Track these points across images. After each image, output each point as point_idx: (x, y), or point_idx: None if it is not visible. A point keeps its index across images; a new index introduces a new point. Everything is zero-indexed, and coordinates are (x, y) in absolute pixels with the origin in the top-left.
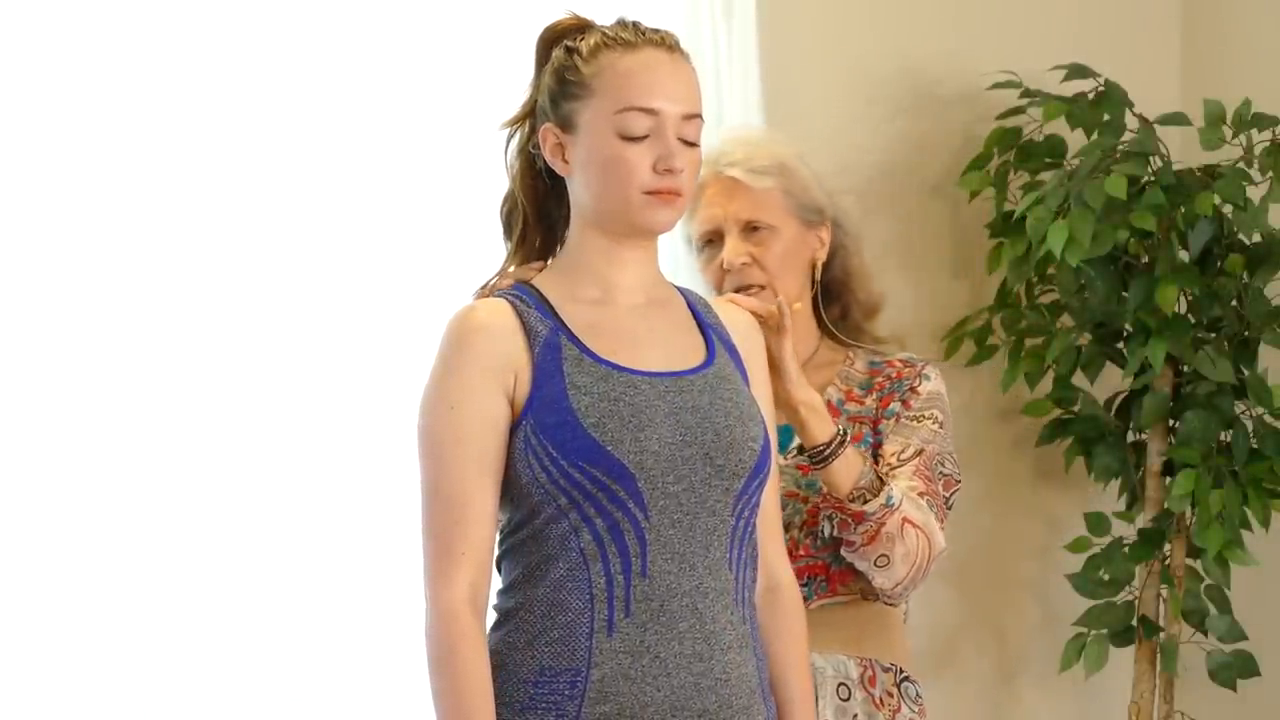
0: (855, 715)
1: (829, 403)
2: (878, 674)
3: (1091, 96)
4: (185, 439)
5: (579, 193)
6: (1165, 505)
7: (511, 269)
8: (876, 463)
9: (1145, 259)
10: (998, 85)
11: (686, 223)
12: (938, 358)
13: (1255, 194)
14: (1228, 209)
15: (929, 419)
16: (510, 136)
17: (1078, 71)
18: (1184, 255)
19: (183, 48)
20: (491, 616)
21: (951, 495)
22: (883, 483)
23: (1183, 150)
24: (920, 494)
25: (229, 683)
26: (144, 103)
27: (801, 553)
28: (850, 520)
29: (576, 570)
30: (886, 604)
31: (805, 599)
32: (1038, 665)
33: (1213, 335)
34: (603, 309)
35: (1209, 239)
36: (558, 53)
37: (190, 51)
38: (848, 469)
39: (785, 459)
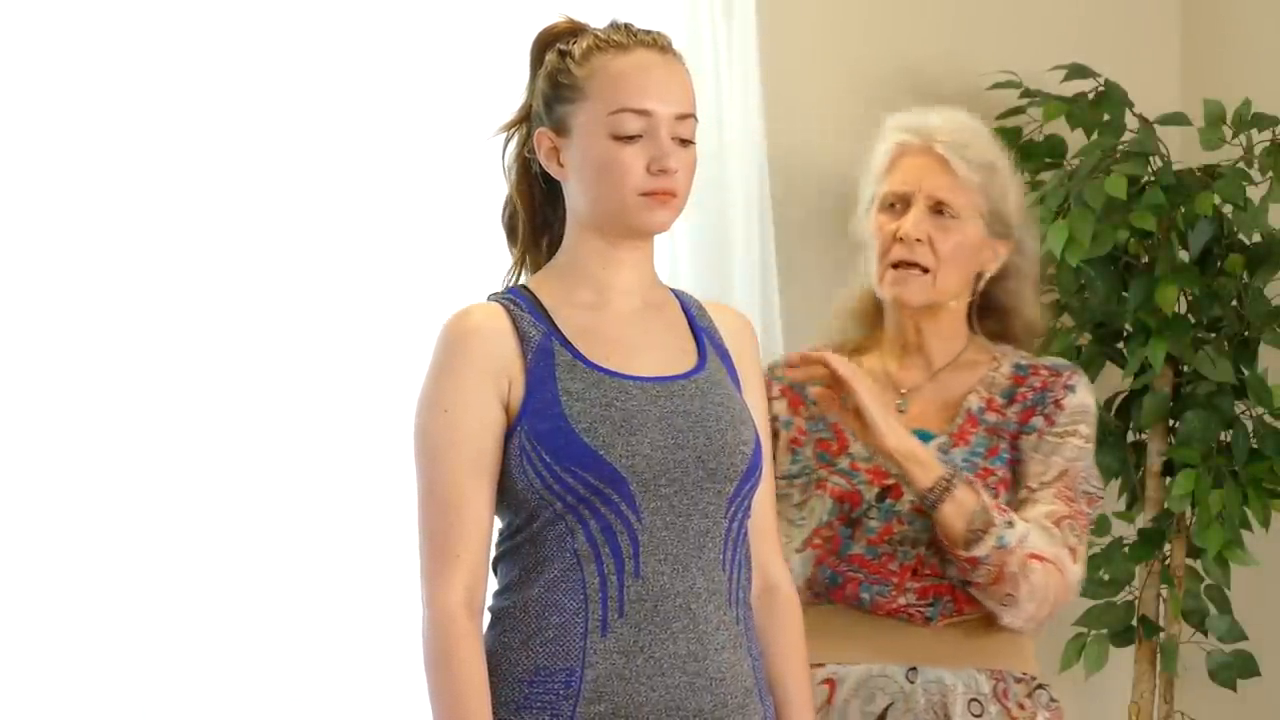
0: None
1: (968, 412)
2: (1010, 686)
3: (1091, 96)
4: (184, 440)
5: (574, 195)
6: (1165, 505)
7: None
8: (1017, 483)
9: (1145, 259)
10: (998, 85)
11: (879, 182)
12: None
13: (1255, 194)
14: (1228, 209)
15: (1074, 435)
16: (507, 141)
17: (1078, 71)
18: (1184, 255)
19: (183, 50)
20: (486, 618)
21: (1094, 511)
22: (993, 524)
23: (1183, 150)
24: (1061, 518)
25: (229, 683)
26: (144, 103)
27: (928, 571)
28: (966, 565)
29: (571, 571)
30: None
31: (929, 620)
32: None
33: (1213, 335)
34: (597, 312)
35: (1209, 239)
36: (551, 56)
37: (190, 54)
38: (958, 512)
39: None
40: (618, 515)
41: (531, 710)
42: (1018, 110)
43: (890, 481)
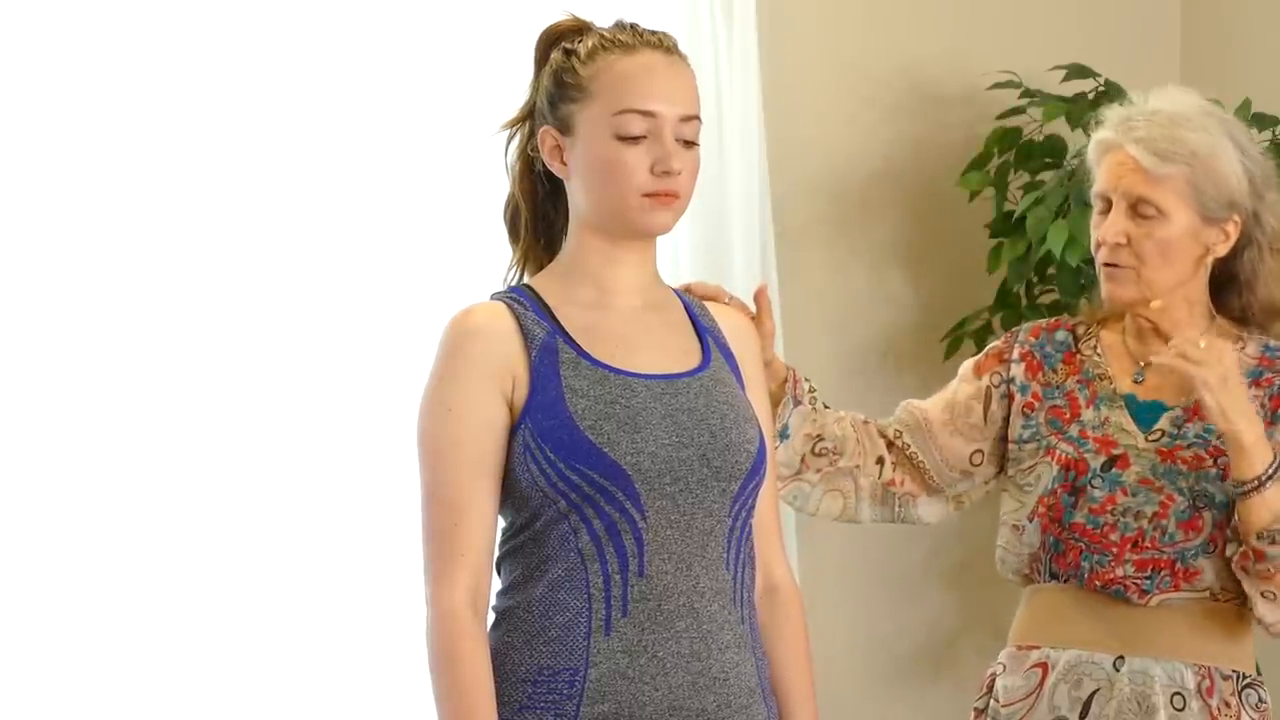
0: None
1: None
2: (1216, 682)
3: (1091, 96)
4: (187, 441)
5: (577, 195)
6: None
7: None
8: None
9: None
10: (998, 85)
11: (1093, 178)
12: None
13: None
14: None
15: None
16: (510, 138)
17: (1078, 71)
18: None
19: (184, 49)
20: (490, 617)
21: None
22: None
23: None
24: None
25: (229, 683)
26: (144, 104)
27: (1148, 544)
28: (1250, 554)
29: (574, 571)
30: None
31: (1145, 592)
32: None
33: None
34: (599, 311)
35: None
36: (556, 55)
37: (192, 53)
38: (1265, 506)
39: (1145, 442)
40: (622, 514)
41: (535, 710)
42: (1018, 110)
43: (1117, 452)
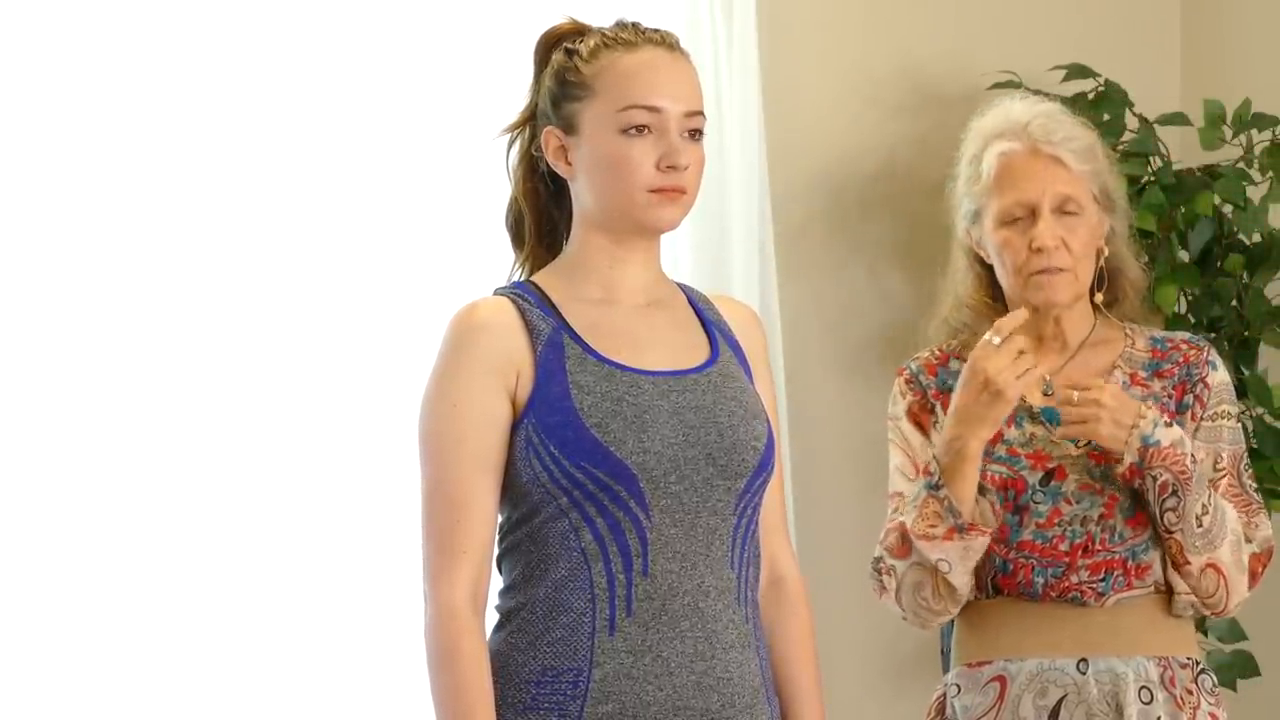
0: (1159, 717)
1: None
2: (1176, 672)
3: (1091, 96)
4: (188, 439)
5: (582, 193)
6: None
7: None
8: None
9: (1145, 259)
10: (998, 85)
11: (990, 195)
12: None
13: (1255, 194)
14: (1228, 209)
15: (1224, 416)
16: (511, 142)
17: (1078, 71)
18: (1184, 255)
19: (185, 50)
20: (493, 617)
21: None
22: None
23: (1183, 150)
24: (1241, 509)
25: (229, 683)
26: (145, 104)
27: (1099, 547)
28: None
29: (578, 570)
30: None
31: (1101, 594)
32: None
33: (1212, 335)
34: (605, 308)
35: (1209, 239)
36: (557, 55)
37: (193, 54)
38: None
39: (1076, 449)
40: (626, 512)
41: (539, 711)
42: None
43: (1052, 465)
